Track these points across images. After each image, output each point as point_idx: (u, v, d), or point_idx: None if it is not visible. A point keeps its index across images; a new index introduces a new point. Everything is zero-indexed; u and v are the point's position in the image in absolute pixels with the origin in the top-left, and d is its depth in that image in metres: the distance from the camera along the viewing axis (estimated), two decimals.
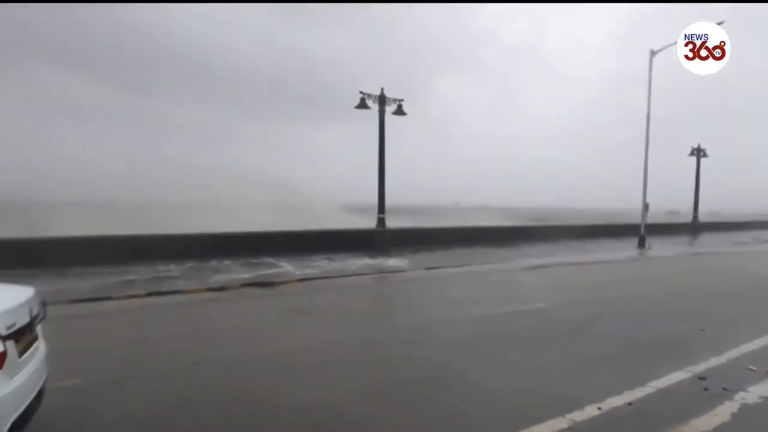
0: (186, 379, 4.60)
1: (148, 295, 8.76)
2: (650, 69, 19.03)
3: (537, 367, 4.96)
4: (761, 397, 4.09)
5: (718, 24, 17.85)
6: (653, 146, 19.59)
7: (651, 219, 21.50)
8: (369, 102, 15.40)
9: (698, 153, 28.95)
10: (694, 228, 29.58)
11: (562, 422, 3.62)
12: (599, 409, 3.84)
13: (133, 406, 3.98)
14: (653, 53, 18.99)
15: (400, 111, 15.69)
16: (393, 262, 13.46)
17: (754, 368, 4.79)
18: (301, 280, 10.51)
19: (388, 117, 15.74)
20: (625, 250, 18.33)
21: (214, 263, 12.15)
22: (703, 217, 31.64)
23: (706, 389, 4.25)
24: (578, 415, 3.74)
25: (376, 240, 15.75)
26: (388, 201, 16.09)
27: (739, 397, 4.08)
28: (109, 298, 8.44)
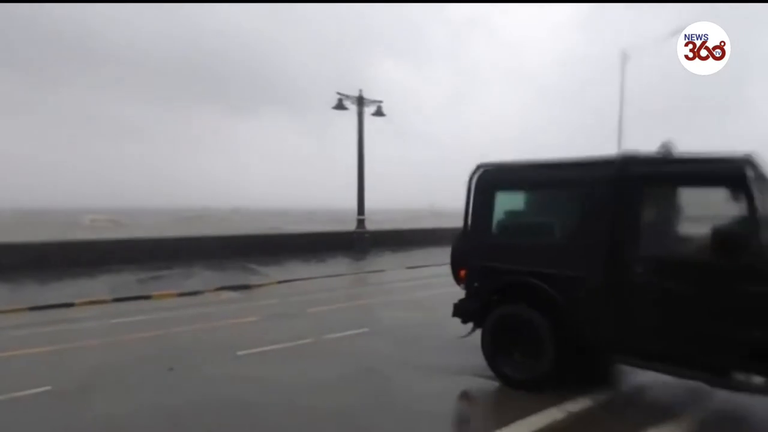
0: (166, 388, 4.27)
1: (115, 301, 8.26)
2: (622, 74, 19.37)
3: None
4: None
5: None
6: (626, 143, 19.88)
7: None
8: (347, 103, 15.04)
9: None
10: None
11: None
12: None
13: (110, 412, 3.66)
14: (625, 58, 19.39)
15: (379, 112, 15.38)
16: (373, 262, 13.28)
17: None
18: (280, 282, 10.13)
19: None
20: None
21: (179, 269, 11.34)
22: None
23: None
24: None
25: (356, 242, 15.44)
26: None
27: None
28: (71, 305, 7.88)
